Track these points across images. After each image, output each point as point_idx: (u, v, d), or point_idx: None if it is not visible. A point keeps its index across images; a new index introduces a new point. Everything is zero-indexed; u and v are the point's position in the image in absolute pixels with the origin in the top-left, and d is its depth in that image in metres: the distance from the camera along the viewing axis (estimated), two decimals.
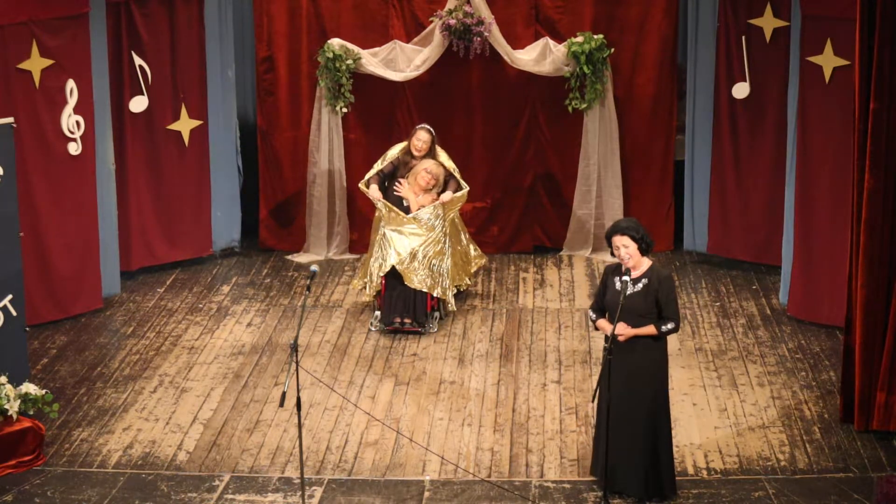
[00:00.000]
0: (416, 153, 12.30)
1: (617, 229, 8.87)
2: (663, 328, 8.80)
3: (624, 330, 8.74)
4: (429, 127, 12.41)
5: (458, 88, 13.80)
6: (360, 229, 13.97)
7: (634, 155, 13.86)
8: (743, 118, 13.13)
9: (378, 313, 12.06)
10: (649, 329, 8.78)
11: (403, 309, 11.87)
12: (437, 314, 12.13)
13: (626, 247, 8.80)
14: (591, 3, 13.54)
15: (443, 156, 12.35)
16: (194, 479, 9.39)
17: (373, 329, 11.98)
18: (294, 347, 8.52)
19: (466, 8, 13.28)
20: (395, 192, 12.16)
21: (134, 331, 12.09)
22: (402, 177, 12.27)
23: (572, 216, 13.96)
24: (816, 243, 11.84)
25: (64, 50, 11.79)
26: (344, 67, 13.43)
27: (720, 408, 10.44)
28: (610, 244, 8.90)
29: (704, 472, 9.41)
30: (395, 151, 12.42)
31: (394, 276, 11.93)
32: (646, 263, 8.89)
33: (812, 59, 11.72)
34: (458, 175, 12.32)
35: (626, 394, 8.77)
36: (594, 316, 9.04)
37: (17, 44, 11.47)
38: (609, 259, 9.13)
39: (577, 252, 14.00)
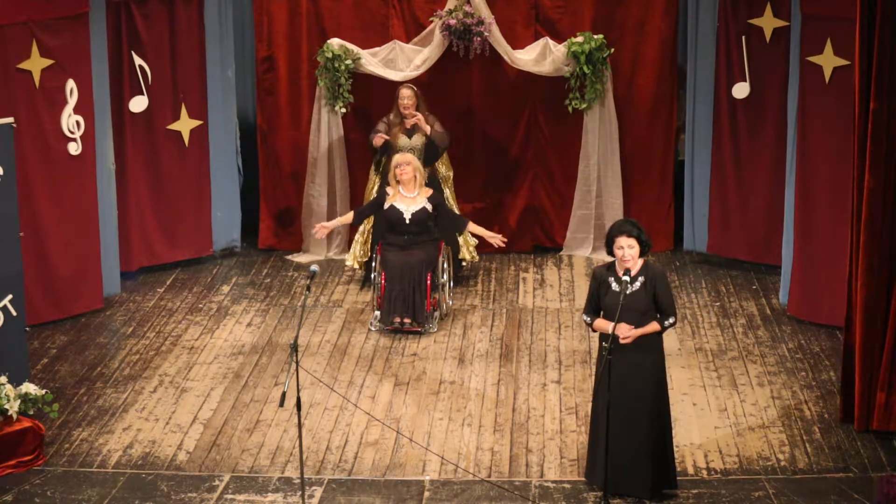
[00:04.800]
0: (404, 112, 12.80)
1: (623, 230, 8.85)
2: (666, 323, 8.83)
3: (628, 331, 8.73)
4: (411, 84, 12.94)
5: (458, 88, 13.80)
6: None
7: (634, 155, 13.86)
8: (743, 118, 13.13)
9: (378, 313, 12.06)
10: (653, 327, 8.80)
11: (403, 309, 11.85)
12: (436, 314, 12.12)
13: (630, 248, 8.80)
14: (591, 3, 13.54)
15: (432, 118, 12.90)
16: (194, 479, 9.39)
17: (372, 329, 11.98)
18: (294, 347, 8.52)
19: (466, 8, 13.28)
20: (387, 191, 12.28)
21: (134, 331, 12.09)
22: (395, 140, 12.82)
23: (572, 216, 13.96)
24: (816, 243, 11.84)
25: (64, 50, 11.79)
26: (343, 67, 13.43)
27: (720, 408, 10.44)
28: (611, 243, 8.88)
29: (704, 472, 9.41)
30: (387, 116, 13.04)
31: (393, 275, 11.89)
32: (640, 261, 8.90)
33: (812, 59, 11.72)
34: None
35: (627, 395, 8.76)
36: (589, 319, 9.03)
37: (17, 44, 11.47)
38: (608, 259, 9.11)
39: (577, 252, 14.00)
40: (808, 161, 11.87)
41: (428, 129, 12.75)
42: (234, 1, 13.76)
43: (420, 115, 12.77)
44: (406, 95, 12.81)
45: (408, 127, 12.82)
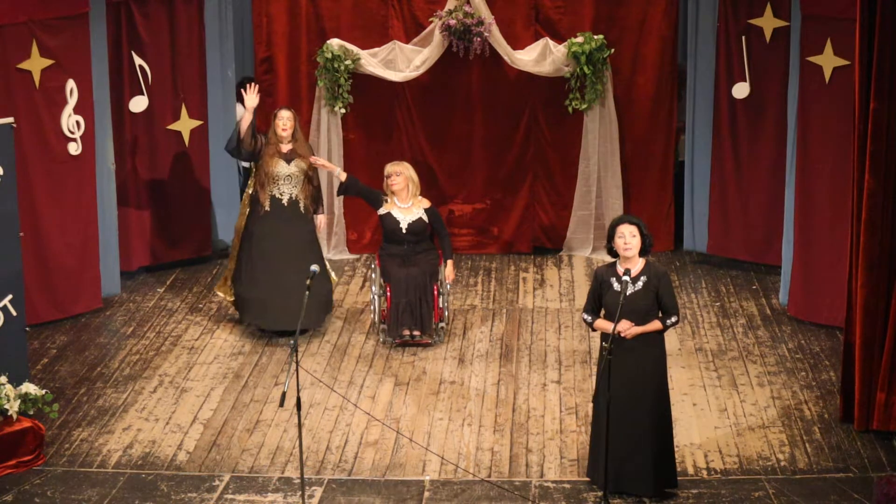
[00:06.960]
0: (282, 133, 11.72)
1: (625, 219, 8.89)
2: (668, 322, 8.84)
3: (629, 328, 8.74)
4: (288, 105, 12.30)
5: (458, 89, 13.80)
6: (359, 229, 13.98)
7: (634, 155, 13.86)
8: (743, 118, 13.13)
9: (385, 326, 11.80)
10: (655, 325, 8.81)
11: (412, 321, 11.62)
12: (443, 324, 11.96)
13: (633, 236, 8.80)
14: (591, 3, 13.54)
15: (307, 146, 11.98)
16: (194, 479, 9.39)
17: (381, 343, 11.81)
18: (294, 347, 8.53)
19: (466, 8, 13.28)
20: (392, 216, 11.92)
21: (134, 331, 12.09)
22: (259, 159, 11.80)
23: (572, 216, 13.96)
24: (816, 243, 11.84)
25: (64, 50, 11.79)
26: (342, 68, 13.43)
27: (720, 408, 10.44)
28: (612, 233, 8.87)
29: (704, 472, 9.41)
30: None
31: (399, 288, 11.63)
32: (642, 261, 8.91)
33: (812, 59, 11.72)
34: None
35: (628, 394, 8.77)
36: (590, 318, 9.02)
37: (17, 44, 11.47)
38: (609, 260, 9.12)
39: (577, 252, 14.00)
40: (808, 161, 11.87)
41: (334, 168, 12.04)
42: (234, 1, 13.76)
43: (322, 161, 11.94)
44: (285, 117, 11.79)
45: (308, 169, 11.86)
